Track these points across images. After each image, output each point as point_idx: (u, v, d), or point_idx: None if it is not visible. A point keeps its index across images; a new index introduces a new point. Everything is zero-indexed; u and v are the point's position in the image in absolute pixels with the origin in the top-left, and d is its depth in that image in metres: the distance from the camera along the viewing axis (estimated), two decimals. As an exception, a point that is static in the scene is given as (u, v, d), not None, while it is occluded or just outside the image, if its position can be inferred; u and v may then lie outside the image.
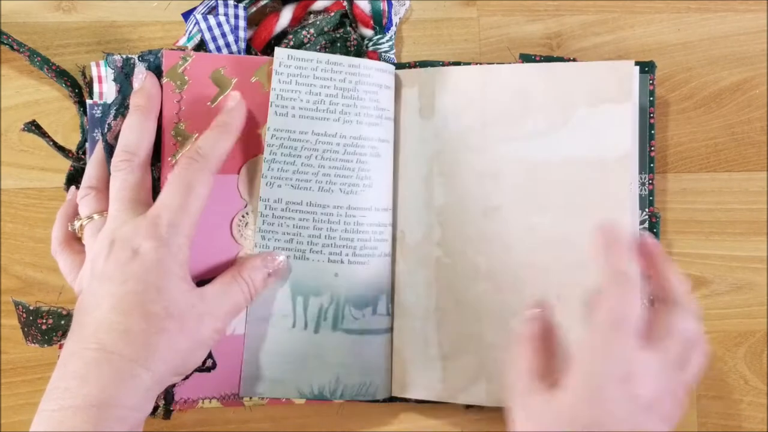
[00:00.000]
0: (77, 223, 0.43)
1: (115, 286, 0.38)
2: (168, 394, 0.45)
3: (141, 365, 0.37)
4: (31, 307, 0.45)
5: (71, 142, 0.48)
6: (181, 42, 0.47)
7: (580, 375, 0.34)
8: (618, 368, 0.34)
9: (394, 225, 0.48)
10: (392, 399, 0.48)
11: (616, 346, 0.34)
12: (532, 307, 0.39)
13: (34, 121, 0.47)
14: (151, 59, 0.45)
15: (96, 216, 0.42)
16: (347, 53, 0.48)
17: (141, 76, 0.44)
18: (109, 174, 0.43)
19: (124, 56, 0.45)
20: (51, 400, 0.36)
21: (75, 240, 0.44)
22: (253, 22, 0.48)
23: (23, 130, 0.46)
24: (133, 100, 0.43)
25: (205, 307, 0.40)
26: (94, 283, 0.39)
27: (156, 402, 0.43)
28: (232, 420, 0.49)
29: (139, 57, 0.45)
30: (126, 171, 0.41)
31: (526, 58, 0.48)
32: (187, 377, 0.44)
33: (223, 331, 0.42)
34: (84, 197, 0.43)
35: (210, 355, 0.44)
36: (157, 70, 0.44)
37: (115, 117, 0.44)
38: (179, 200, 0.40)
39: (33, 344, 0.45)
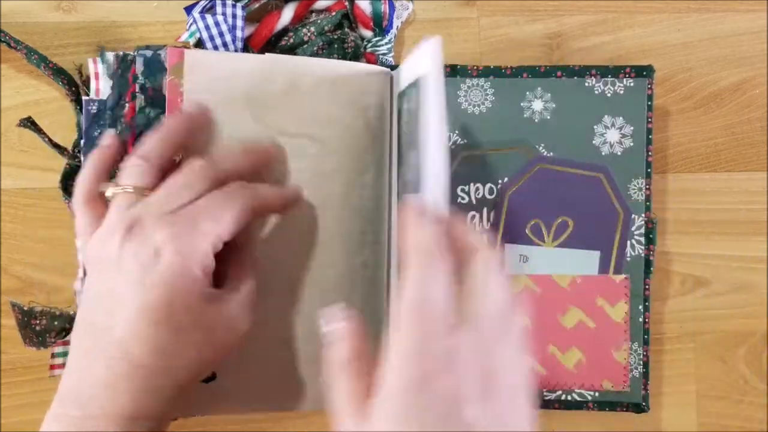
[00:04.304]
0: (111, 190, 0.39)
1: (140, 291, 0.36)
2: None
3: (168, 376, 0.36)
4: (25, 308, 0.45)
5: (70, 142, 0.48)
6: (183, 38, 0.47)
7: (390, 384, 0.30)
8: (431, 364, 0.29)
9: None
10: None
11: (423, 341, 0.30)
12: (331, 321, 0.34)
13: (29, 117, 0.47)
14: (148, 54, 0.44)
15: (134, 190, 0.38)
16: (344, 55, 0.48)
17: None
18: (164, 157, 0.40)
19: (121, 53, 0.45)
20: (73, 404, 0.35)
21: (102, 200, 0.40)
22: (254, 19, 0.48)
23: (19, 125, 0.46)
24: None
25: (229, 312, 0.38)
26: (111, 272, 0.36)
27: None
28: (233, 420, 0.49)
29: (136, 51, 0.45)
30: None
31: (532, 72, 0.48)
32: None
33: (247, 328, 0.39)
34: (132, 165, 0.39)
35: None
36: (154, 66, 0.44)
37: (112, 118, 0.44)
38: (217, 209, 0.38)
39: (30, 347, 0.45)
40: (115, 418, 0.35)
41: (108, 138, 0.43)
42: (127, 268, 0.36)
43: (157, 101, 0.45)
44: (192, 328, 0.36)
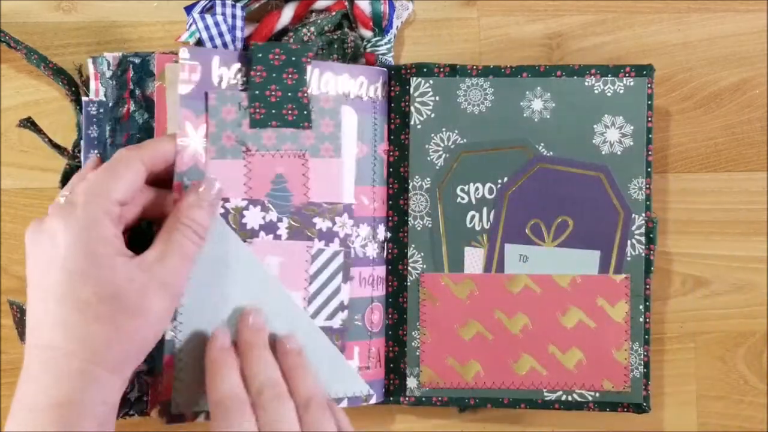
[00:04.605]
0: (62, 197, 0.41)
1: (40, 276, 0.37)
2: (142, 384, 0.44)
3: (87, 360, 0.35)
4: (24, 307, 0.45)
5: (70, 142, 0.48)
6: (183, 38, 0.47)
7: None
8: None
9: None
10: (386, 401, 0.48)
11: None
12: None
13: (29, 117, 0.47)
14: (136, 61, 0.45)
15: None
16: (344, 55, 0.48)
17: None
18: None
19: (120, 54, 0.46)
20: (18, 400, 0.36)
21: None
22: (254, 19, 0.48)
23: (19, 125, 0.47)
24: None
25: (148, 277, 0.36)
26: (29, 273, 0.38)
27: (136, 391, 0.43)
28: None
29: (126, 57, 0.45)
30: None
31: (531, 72, 0.48)
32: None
33: (180, 294, 0.39)
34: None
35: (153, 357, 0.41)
36: (144, 72, 0.45)
37: (111, 119, 0.44)
38: (98, 180, 0.38)
39: None
40: (48, 409, 0.35)
41: (91, 158, 0.45)
42: (34, 262, 0.38)
43: (147, 106, 0.45)
44: (95, 301, 0.35)
